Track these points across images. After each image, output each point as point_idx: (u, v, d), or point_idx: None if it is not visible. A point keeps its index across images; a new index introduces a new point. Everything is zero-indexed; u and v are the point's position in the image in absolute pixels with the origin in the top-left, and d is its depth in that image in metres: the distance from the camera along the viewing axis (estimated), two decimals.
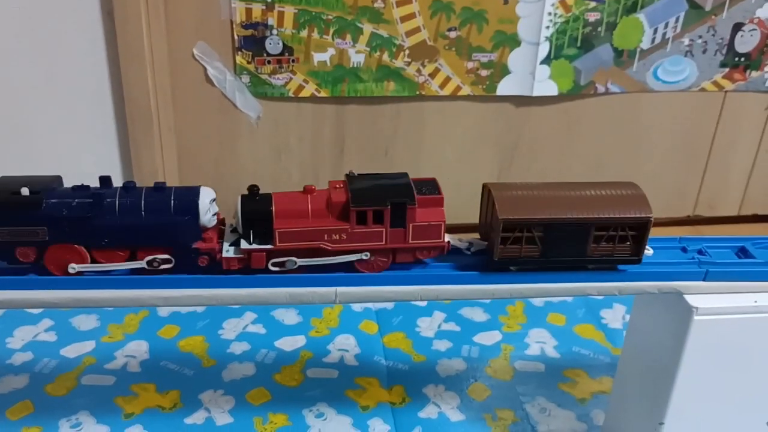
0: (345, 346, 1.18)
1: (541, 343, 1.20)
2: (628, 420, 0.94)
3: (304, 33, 1.29)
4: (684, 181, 1.57)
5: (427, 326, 1.23)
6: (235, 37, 1.28)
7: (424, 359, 1.15)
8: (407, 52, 1.33)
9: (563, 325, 1.25)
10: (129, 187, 0.72)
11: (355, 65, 1.33)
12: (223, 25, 1.28)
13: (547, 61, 1.38)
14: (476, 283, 0.78)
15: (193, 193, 0.72)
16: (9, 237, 0.70)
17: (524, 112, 1.44)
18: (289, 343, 1.17)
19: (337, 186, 0.76)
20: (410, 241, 0.75)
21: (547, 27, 1.34)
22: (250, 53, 1.30)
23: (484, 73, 1.37)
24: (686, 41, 1.40)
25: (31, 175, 0.73)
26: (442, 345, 1.19)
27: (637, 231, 0.77)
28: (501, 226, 0.74)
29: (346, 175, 0.77)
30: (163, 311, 1.24)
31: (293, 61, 1.31)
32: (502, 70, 1.38)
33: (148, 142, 1.31)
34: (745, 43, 1.42)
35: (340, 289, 0.77)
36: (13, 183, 0.71)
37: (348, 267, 0.76)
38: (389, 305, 1.28)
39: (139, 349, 1.15)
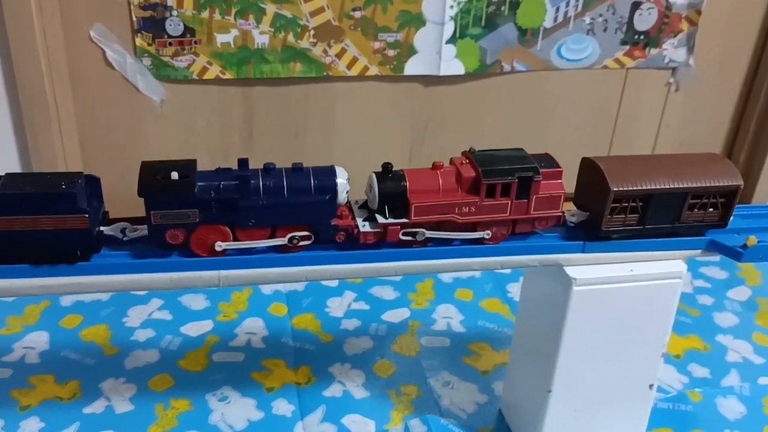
0: (253, 329, 1.17)
1: (447, 318, 1.23)
2: (523, 389, 0.97)
3: (205, 14, 1.27)
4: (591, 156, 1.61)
5: (337, 306, 1.24)
6: (134, 18, 1.25)
7: (332, 339, 1.16)
8: (312, 32, 1.32)
9: (470, 300, 1.28)
10: (269, 168, 0.74)
11: (260, 46, 1.32)
12: (120, 6, 1.24)
13: (452, 40, 1.39)
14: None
15: (331, 173, 0.75)
16: (162, 220, 0.72)
17: (433, 92, 1.45)
18: (196, 329, 1.17)
19: (464, 162, 0.80)
20: (531, 212, 0.80)
21: (452, 6, 1.35)
22: (150, 35, 1.27)
23: (390, 53, 1.38)
24: (587, 20, 1.43)
25: (169, 159, 0.74)
26: (350, 324, 1.20)
27: (726, 198, 0.83)
28: (612, 197, 0.79)
29: (470, 152, 0.81)
30: (66, 301, 1.21)
31: (195, 42, 1.29)
32: (409, 50, 1.38)
33: (45, 127, 1.27)
34: (644, 21, 1.46)
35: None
36: (157, 167, 0.72)
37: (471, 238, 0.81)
38: (299, 287, 1.28)
39: (39, 340, 1.12)
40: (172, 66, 1.30)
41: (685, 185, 0.81)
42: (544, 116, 1.53)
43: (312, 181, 0.74)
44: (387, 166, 0.78)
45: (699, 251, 0.86)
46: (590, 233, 0.83)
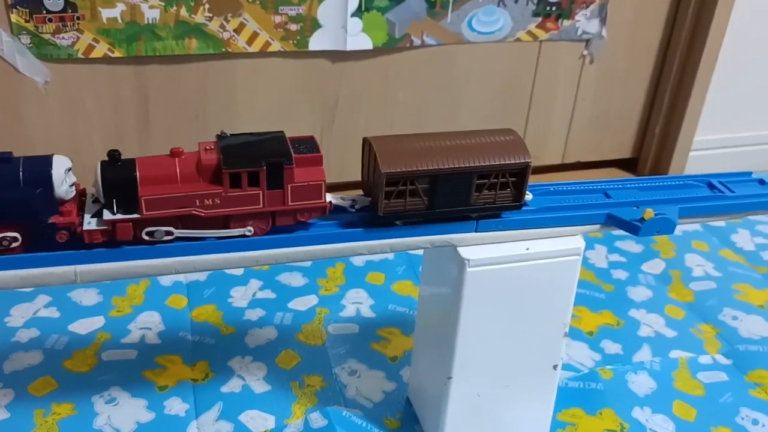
0: (148, 324, 1.10)
1: (357, 303, 1.18)
2: (426, 375, 0.93)
3: None
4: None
5: (241, 296, 1.18)
6: None
7: (234, 330, 1.10)
8: (207, 6, 1.24)
9: (382, 284, 1.23)
10: None
11: (150, 21, 1.23)
12: None
13: (358, 13, 1.33)
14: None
15: (44, 162, 0.66)
16: None
17: (341, 68, 1.39)
18: (85, 326, 1.09)
19: (208, 147, 0.70)
20: (290, 203, 0.72)
21: None
22: (27, 11, 1.17)
23: (293, 27, 1.31)
24: None
25: None
26: (254, 314, 1.14)
27: (517, 177, 0.77)
28: (384, 180, 0.72)
29: (218, 136, 0.72)
30: None
31: (78, 18, 1.20)
32: (313, 24, 1.32)
33: None
34: None
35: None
36: None
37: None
38: (201, 276, 1.21)
39: None
40: (54, 44, 1.20)
41: (468, 164, 0.74)
42: (457, 91, 1.49)
43: (21, 172, 0.65)
44: (114, 154, 0.68)
45: (597, 226, 0.83)
46: (370, 219, 0.76)
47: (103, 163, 0.68)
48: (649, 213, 0.80)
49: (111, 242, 0.69)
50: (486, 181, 0.76)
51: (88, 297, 1.15)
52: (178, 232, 0.70)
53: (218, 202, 0.70)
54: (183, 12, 1.24)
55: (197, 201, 0.69)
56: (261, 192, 0.70)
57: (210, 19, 1.26)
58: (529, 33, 1.46)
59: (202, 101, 1.34)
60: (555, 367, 0.88)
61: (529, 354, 0.86)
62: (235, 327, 1.11)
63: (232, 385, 0.99)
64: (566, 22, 1.47)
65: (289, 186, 0.71)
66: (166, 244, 0.71)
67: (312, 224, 0.76)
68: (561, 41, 1.49)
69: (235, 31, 1.28)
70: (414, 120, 1.49)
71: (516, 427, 0.91)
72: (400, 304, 1.18)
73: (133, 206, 0.68)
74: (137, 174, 0.68)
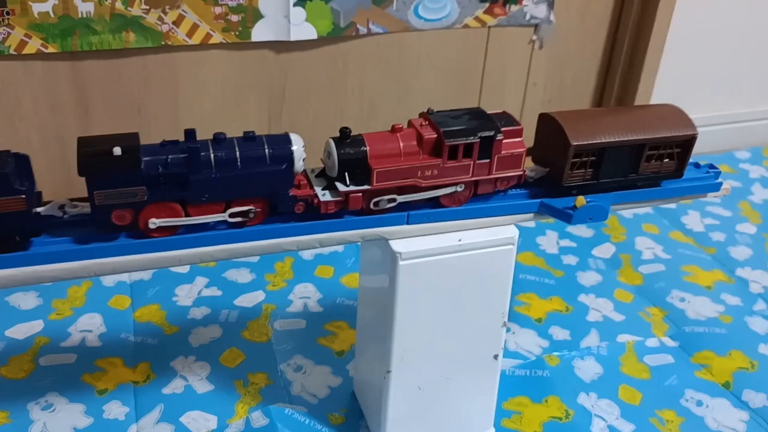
0: (89, 326, 1.08)
1: (305, 298, 1.16)
2: (369, 370, 0.92)
3: None
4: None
5: (186, 294, 1.16)
6: None
7: (177, 330, 1.08)
8: None
9: (330, 277, 1.22)
10: (220, 138, 0.70)
11: (85, 15, 1.20)
12: None
13: (301, 3, 1.30)
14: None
15: (285, 140, 0.72)
16: (106, 200, 0.67)
17: (287, 58, 1.37)
18: (23, 331, 1.06)
19: (423, 123, 0.77)
20: (494, 173, 0.78)
21: None
22: None
23: (234, 18, 1.28)
24: None
25: (108, 134, 0.69)
26: (199, 313, 1.12)
27: (682, 148, 0.83)
28: (572, 152, 0.78)
29: (428, 113, 0.78)
30: None
31: (8, 13, 1.16)
32: (254, 15, 1.29)
33: None
34: None
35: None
36: (96, 143, 0.66)
37: (433, 201, 0.78)
38: (146, 276, 1.19)
39: None
40: None
41: (643, 137, 0.81)
42: (408, 78, 1.47)
43: (267, 150, 0.70)
44: (345, 131, 0.74)
45: (531, 215, 0.82)
46: (550, 189, 0.82)
47: (335, 139, 0.74)
48: (581, 200, 0.79)
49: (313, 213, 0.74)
50: (655, 152, 0.82)
51: (26, 301, 1.12)
52: (400, 198, 0.76)
53: (436, 173, 0.76)
54: (119, 5, 1.20)
55: (419, 172, 0.75)
56: (472, 162, 0.76)
57: (147, 11, 1.23)
58: (477, 19, 1.45)
59: (144, 96, 1.31)
60: (496, 356, 0.88)
61: (469, 345, 0.86)
62: (179, 326, 1.09)
63: (174, 386, 0.98)
64: (514, 8, 1.46)
65: (496, 156, 0.77)
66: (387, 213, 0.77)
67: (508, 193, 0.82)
68: (509, 27, 1.48)
69: (174, 23, 1.25)
70: (364, 109, 1.47)
71: (459, 418, 0.91)
72: (348, 297, 1.17)
73: (362, 179, 0.74)
74: (367, 149, 0.74)
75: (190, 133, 0.70)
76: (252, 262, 1.24)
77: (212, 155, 0.69)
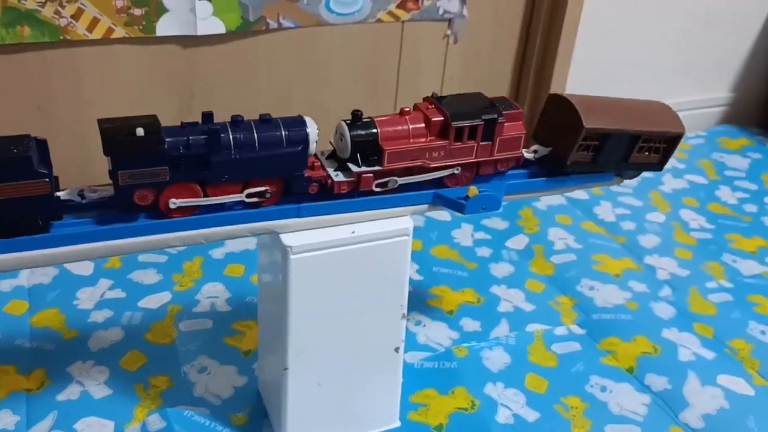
0: None
1: (213, 298, 1.14)
2: (269, 368, 0.90)
3: None
4: (376, 114, 1.56)
5: (87, 297, 1.12)
6: None
7: (77, 334, 1.04)
8: None
9: (241, 276, 1.19)
10: (238, 121, 0.71)
11: None
12: None
13: None
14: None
15: (300, 123, 0.73)
16: (130, 180, 0.68)
17: (195, 53, 1.33)
18: None
19: (429, 107, 0.80)
20: (495, 154, 0.81)
21: None
22: None
23: (137, 11, 1.25)
24: None
25: (127, 116, 0.69)
26: (101, 316, 1.08)
27: (668, 144, 0.88)
28: (584, 134, 0.82)
29: (432, 97, 0.81)
30: None
31: None
32: (158, 8, 1.26)
33: None
34: None
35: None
36: (118, 124, 0.67)
37: (437, 183, 0.81)
38: (45, 279, 1.14)
39: None
40: None
41: (644, 129, 0.85)
42: (321, 73, 1.46)
43: (283, 132, 0.72)
44: (357, 113, 0.77)
45: (425, 206, 0.82)
46: (554, 167, 0.86)
47: (347, 122, 0.76)
48: (474, 191, 0.79)
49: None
50: (647, 144, 0.87)
51: None
52: (402, 180, 0.78)
53: (442, 154, 0.79)
54: None
55: (427, 153, 0.78)
56: (475, 144, 0.79)
57: (42, 4, 1.18)
58: (390, 13, 1.44)
59: (43, 92, 1.26)
60: (397, 349, 0.87)
61: (368, 339, 0.85)
62: (78, 331, 1.05)
63: (70, 392, 0.94)
64: (427, 2, 1.46)
65: (497, 138, 0.80)
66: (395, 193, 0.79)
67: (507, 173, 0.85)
68: (423, 21, 1.48)
69: (72, 17, 1.21)
70: (278, 104, 1.45)
71: (363, 413, 0.90)
72: (257, 295, 1.15)
73: (373, 160, 0.77)
74: (378, 131, 0.76)
75: (207, 116, 0.71)
76: (160, 263, 1.21)
77: (231, 137, 0.70)
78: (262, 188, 0.73)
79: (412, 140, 0.78)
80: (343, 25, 1.42)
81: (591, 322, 1.14)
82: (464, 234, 1.36)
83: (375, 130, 0.77)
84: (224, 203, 0.73)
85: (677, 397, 1.01)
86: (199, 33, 1.30)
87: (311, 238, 0.76)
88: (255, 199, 0.73)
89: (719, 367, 1.06)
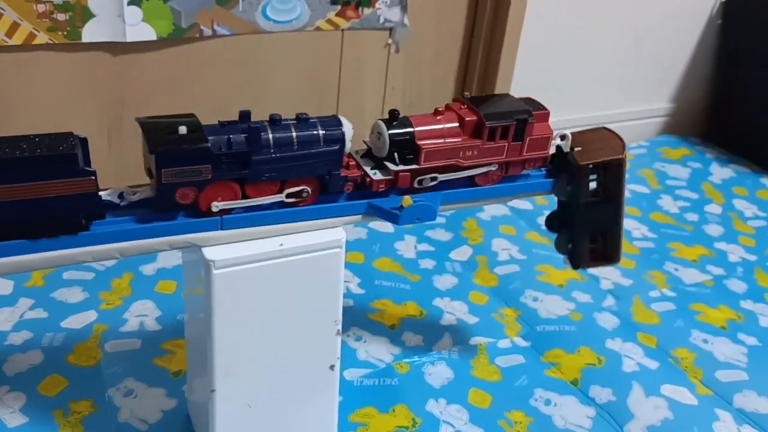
0: None
1: (142, 316, 1.08)
2: (197, 389, 0.85)
3: None
4: None
5: (5, 318, 1.05)
6: None
7: None
8: None
9: (172, 293, 1.14)
10: (276, 120, 0.72)
11: None
12: None
13: (136, 1, 1.22)
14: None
15: (336, 122, 0.74)
16: (174, 178, 0.67)
17: (125, 61, 1.28)
18: None
19: (462, 107, 0.81)
20: (524, 154, 0.83)
21: None
22: None
23: (61, 17, 1.19)
24: None
25: (166, 115, 0.70)
26: (19, 338, 1.01)
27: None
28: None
29: (464, 97, 0.82)
30: None
31: None
32: (84, 14, 1.20)
33: None
34: None
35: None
36: (160, 123, 0.68)
37: (468, 181, 0.83)
38: None
39: None
40: None
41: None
42: (260, 82, 1.42)
43: (320, 131, 0.72)
44: (394, 113, 0.78)
45: (359, 217, 0.78)
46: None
47: (384, 120, 0.77)
48: (408, 200, 0.76)
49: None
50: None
51: None
52: (443, 177, 0.80)
53: (475, 153, 0.80)
54: None
55: (461, 152, 0.79)
56: (507, 144, 0.81)
57: None
58: (330, 21, 1.41)
59: None
60: (332, 367, 0.83)
61: (301, 357, 0.81)
62: None
63: None
64: (367, 10, 1.43)
65: (527, 138, 0.81)
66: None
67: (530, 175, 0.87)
68: (363, 30, 1.46)
69: None
70: (215, 114, 1.39)
71: None
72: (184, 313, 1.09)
73: (410, 159, 0.78)
74: (414, 130, 0.77)
75: (245, 114, 0.71)
76: (86, 280, 1.14)
77: (271, 136, 0.70)
78: (301, 188, 0.73)
79: (446, 139, 0.79)
80: (280, 33, 1.38)
81: (535, 334, 1.12)
82: (407, 246, 1.33)
83: (411, 129, 0.78)
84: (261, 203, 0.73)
85: (622, 409, 0.99)
86: (128, 40, 1.25)
87: (236, 252, 0.71)
88: (293, 199, 0.74)
89: (663, 377, 1.05)
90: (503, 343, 1.10)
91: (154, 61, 1.30)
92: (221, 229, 0.71)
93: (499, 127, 0.80)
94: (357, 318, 1.12)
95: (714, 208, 1.57)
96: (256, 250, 0.72)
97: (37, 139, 0.63)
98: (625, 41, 1.79)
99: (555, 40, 1.67)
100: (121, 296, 1.12)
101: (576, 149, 0.87)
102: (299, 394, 0.83)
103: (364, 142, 0.81)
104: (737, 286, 1.30)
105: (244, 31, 1.34)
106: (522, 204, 1.50)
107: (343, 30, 1.44)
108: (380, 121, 0.78)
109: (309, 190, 0.74)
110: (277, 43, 1.39)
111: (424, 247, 1.33)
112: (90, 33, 1.22)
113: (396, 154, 0.77)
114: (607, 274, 1.29)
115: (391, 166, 0.77)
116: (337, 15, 1.41)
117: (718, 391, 1.04)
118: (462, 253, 1.32)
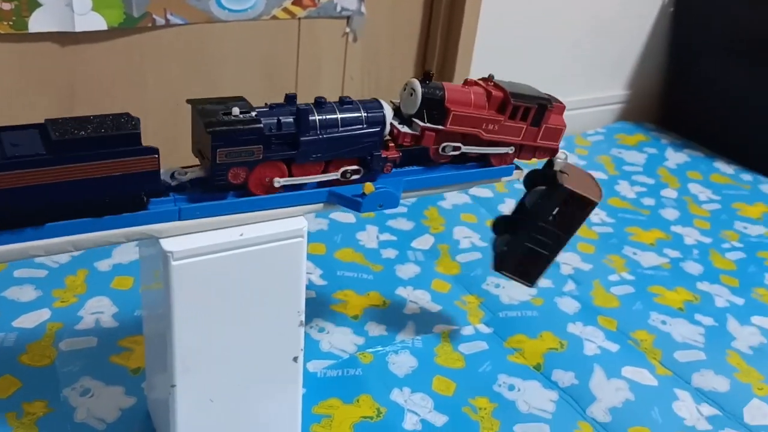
0: None
1: (98, 313, 1.05)
2: (157, 385, 0.83)
3: None
4: None
5: None
6: None
7: None
8: None
9: (129, 288, 1.11)
10: (321, 102, 0.74)
11: None
12: None
13: None
14: None
15: (377, 105, 0.77)
16: (227, 158, 0.69)
17: (74, 51, 1.24)
18: None
19: (490, 83, 0.84)
20: (538, 141, 0.85)
21: None
22: None
23: (6, 6, 1.14)
24: None
25: (214, 97, 0.72)
26: None
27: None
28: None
29: (490, 77, 0.85)
30: None
31: None
32: (30, 3, 1.15)
33: None
34: None
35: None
36: (212, 105, 0.70)
37: (484, 158, 0.85)
38: None
39: None
40: None
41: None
42: (216, 72, 1.39)
43: (363, 113, 0.75)
44: (428, 72, 0.80)
45: (320, 206, 0.77)
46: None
47: (419, 79, 0.79)
48: (370, 187, 0.75)
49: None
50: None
51: None
52: (465, 149, 0.82)
53: (496, 128, 0.82)
54: None
55: (483, 124, 0.81)
56: (525, 126, 0.84)
57: None
58: (286, 10, 1.39)
59: None
60: (296, 359, 0.82)
61: (263, 349, 0.79)
62: None
63: None
64: None
65: (544, 125, 0.84)
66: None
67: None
68: (320, 18, 1.44)
69: None
70: (170, 105, 1.37)
71: (262, 428, 0.84)
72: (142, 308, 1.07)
73: (437, 119, 0.79)
74: (445, 92, 0.79)
75: (291, 97, 0.73)
76: (38, 278, 1.11)
77: (317, 117, 0.73)
78: (354, 167, 0.76)
79: (473, 108, 0.80)
80: (236, 22, 1.36)
81: (498, 321, 1.13)
82: (369, 236, 1.32)
83: (442, 92, 0.79)
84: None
85: (584, 392, 1.00)
86: (78, 30, 1.21)
87: (194, 243, 0.70)
88: (352, 177, 0.77)
89: (623, 360, 1.07)
90: (466, 330, 1.10)
91: (105, 52, 1.27)
92: (179, 219, 0.70)
93: (523, 106, 0.82)
94: (319, 309, 1.11)
95: (670, 193, 1.60)
96: (215, 240, 0.70)
97: (97, 120, 0.65)
98: (582, 29, 1.80)
99: (513, 28, 1.68)
100: (76, 293, 1.08)
101: (563, 174, 0.89)
102: (262, 387, 0.81)
103: (392, 102, 0.84)
104: (693, 268, 1.32)
105: (197, 20, 1.32)
106: (483, 192, 1.51)
107: (299, 18, 1.42)
108: (414, 79, 0.80)
109: (354, 169, 0.76)
110: (232, 33, 1.37)
111: (386, 236, 1.33)
112: (37, 23, 1.18)
113: (425, 112, 0.79)
114: (567, 260, 1.31)
115: (419, 123, 0.79)
116: (293, 4, 1.39)
117: (676, 371, 1.06)
118: (424, 242, 1.32)
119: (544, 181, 0.90)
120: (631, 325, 1.15)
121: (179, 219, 0.70)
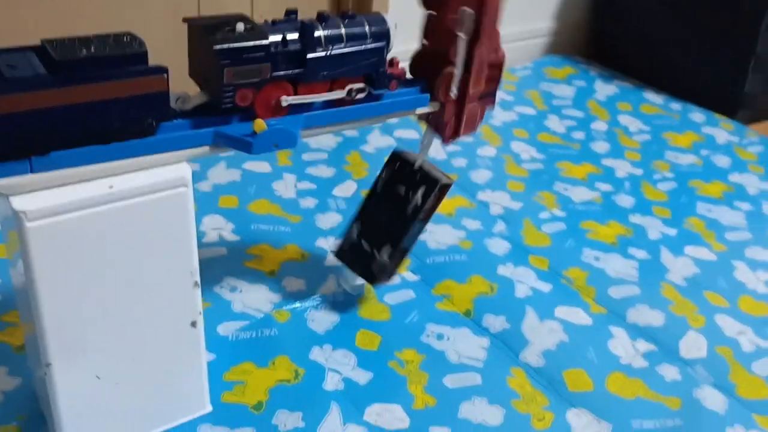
0: None
1: None
2: (36, 364, 0.73)
3: None
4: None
5: None
6: None
7: None
8: None
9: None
10: (325, 17, 0.70)
11: None
12: None
13: None
14: None
15: (381, 20, 0.73)
16: (235, 78, 0.65)
17: None
18: None
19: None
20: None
21: None
22: None
23: None
24: None
25: (213, 15, 0.68)
26: None
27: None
28: None
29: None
30: None
31: None
32: None
33: None
34: None
35: None
36: (212, 22, 0.66)
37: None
38: None
39: None
40: None
41: None
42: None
43: (368, 28, 0.72)
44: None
45: (206, 149, 0.67)
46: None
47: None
48: (261, 125, 0.66)
49: None
50: None
51: None
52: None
53: None
54: None
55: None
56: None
57: None
58: None
59: None
60: (194, 323, 0.73)
61: (155, 317, 0.70)
62: None
63: None
64: None
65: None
66: None
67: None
68: None
69: None
70: (62, 26, 1.23)
71: (164, 402, 0.76)
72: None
73: None
74: None
75: (292, 12, 0.69)
76: None
77: (322, 33, 0.69)
78: (360, 84, 0.72)
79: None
80: None
81: (425, 267, 1.06)
82: (286, 185, 1.23)
83: None
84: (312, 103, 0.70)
85: (516, 336, 0.95)
86: None
87: (54, 199, 0.59)
88: (357, 95, 0.73)
89: (556, 300, 1.02)
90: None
91: None
92: (31, 172, 0.59)
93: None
94: (231, 267, 1.02)
95: (600, 125, 1.55)
96: (79, 195, 0.60)
97: (97, 39, 0.60)
98: None
99: None
100: None
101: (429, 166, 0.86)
102: (159, 358, 0.72)
103: None
104: (625, 201, 1.28)
105: None
106: (408, 134, 1.43)
107: None
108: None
109: (360, 87, 0.72)
110: None
111: (304, 185, 1.23)
112: None
113: None
114: (497, 200, 1.24)
115: None
116: None
117: (611, 308, 1.02)
118: (346, 189, 1.23)
119: (415, 181, 0.86)
120: (564, 263, 1.10)
121: (31, 171, 0.59)
